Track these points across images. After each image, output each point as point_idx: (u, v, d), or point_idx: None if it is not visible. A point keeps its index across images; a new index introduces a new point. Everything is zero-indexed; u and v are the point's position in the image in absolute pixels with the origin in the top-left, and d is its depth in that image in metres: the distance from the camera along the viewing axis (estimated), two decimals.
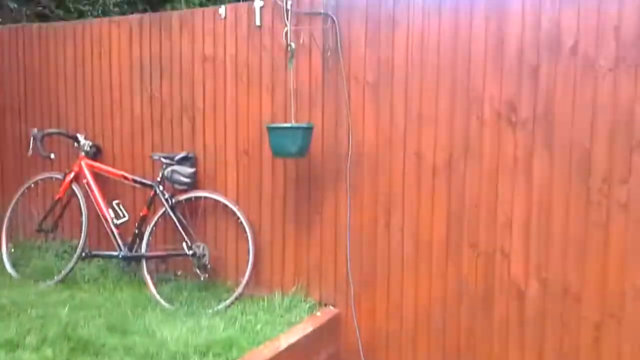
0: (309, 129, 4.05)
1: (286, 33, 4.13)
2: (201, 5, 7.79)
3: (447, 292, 3.86)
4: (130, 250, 4.78)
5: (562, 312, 3.53)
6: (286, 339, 3.77)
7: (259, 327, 3.93)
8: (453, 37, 3.74)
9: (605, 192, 3.37)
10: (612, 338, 3.41)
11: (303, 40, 4.18)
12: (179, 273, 4.87)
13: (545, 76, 3.49)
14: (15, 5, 5.82)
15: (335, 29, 4.10)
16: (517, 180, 3.60)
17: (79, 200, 4.99)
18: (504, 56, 3.60)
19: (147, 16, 5.04)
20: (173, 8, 7.42)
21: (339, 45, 4.08)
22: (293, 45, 4.12)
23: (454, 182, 3.79)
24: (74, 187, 5.03)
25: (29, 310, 4.11)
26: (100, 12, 6.81)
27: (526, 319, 3.63)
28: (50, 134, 5.17)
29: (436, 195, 3.85)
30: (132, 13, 6.93)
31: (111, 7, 6.92)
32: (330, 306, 4.27)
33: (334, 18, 4.10)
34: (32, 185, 5.35)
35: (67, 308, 4.16)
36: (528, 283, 3.61)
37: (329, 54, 4.14)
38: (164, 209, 4.65)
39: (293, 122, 4.14)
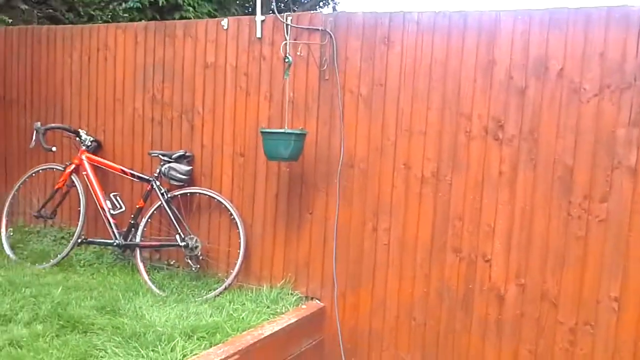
0: (301, 135, 3.65)
1: (285, 46, 3.71)
2: (209, 14, 7.23)
3: (429, 292, 3.48)
4: (126, 239, 4.28)
5: (539, 317, 3.18)
6: (270, 327, 3.39)
7: (244, 315, 3.51)
8: (444, 57, 3.39)
9: (585, 207, 3.03)
10: (586, 344, 3.08)
11: (301, 53, 3.76)
12: (172, 263, 4.39)
13: (532, 97, 3.16)
14: (26, 7, 5.23)
15: (333, 44, 3.70)
16: (501, 193, 3.25)
17: (77, 190, 4.47)
18: (493, 77, 3.26)
19: (152, 24, 4.56)
20: (181, 17, 6.85)
21: (335, 59, 3.69)
22: (290, 57, 3.70)
23: (441, 192, 3.42)
24: (73, 178, 4.52)
25: (23, 289, 3.68)
26: (109, 17, 6.19)
27: (504, 320, 3.28)
28: (52, 129, 4.63)
29: (423, 203, 3.48)
30: (141, 19, 6.38)
31: (121, 12, 6.30)
32: (316, 300, 3.84)
33: (332, 34, 3.70)
34: (34, 174, 4.81)
35: (60, 289, 3.73)
36: (507, 288, 3.26)
37: (325, 67, 3.74)
38: (159, 202, 4.17)
39: (287, 128, 3.71)
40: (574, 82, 3.05)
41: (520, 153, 3.19)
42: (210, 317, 3.42)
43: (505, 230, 3.25)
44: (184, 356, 2.87)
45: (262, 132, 3.65)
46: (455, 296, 3.41)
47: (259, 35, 3.96)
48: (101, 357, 2.84)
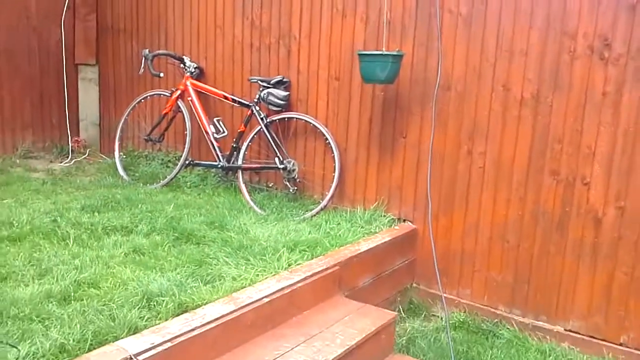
0: (398, 57, 3.71)
1: None
2: None
3: (524, 215, 3.55)
4: (229, 161, 4.61)
5: (637, 240, 3.19)
6: (366, 244, 3.63)
7: (341, 232, 3.76)
8: None
9: None
10: None
11: None
12: (270, 185, 4.69)
13: None
14: None
15: None
16: (604, 114, 3.21)
17: (183, 115, 4.82)
18: None
19: None
20: None
21: None
22: None
23: (540, 114, 3.42)
24: (179, 103, 4.85)
25: (139, 205, 4.09)
26: None
27: (600, 243, 3.31)
28: (159, 55, 4.96)
29: (521, 126, 3.50)
30: None
31: None
32: (409, 222, 4.02)
33: None
34: (142, 100, 5.18)
35: (172, 206, 4.11)
36: (605, 210, 3.27)
37: None
38: (259, 127, 4.43)
39: (384, 50, 3.79)
40: None
41: (626, 73, 3.11)
42: (309, 233, 3.69)
43: (606, 152, 3.23)
44: (289, 265, 3.16)
45: (359, 55, 3.75)
46: (551, 219, 3.46)
47: None
48: (214, 264, 3.16)
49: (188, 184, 4.85)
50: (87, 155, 5.72)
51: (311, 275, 3.07)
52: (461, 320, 3.78)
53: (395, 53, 3.69)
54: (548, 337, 3.52)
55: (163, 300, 2.62)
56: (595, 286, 3.37)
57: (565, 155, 3.37)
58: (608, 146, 3.23)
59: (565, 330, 3.49)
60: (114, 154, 5.19)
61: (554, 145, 3.40)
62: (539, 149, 3.45)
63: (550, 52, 3.34)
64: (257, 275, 3.00)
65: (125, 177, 4.98)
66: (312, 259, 3.29)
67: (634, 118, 3.13)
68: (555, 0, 3.29)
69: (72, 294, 2.68)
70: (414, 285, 4.04)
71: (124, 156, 5.29)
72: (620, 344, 3.31)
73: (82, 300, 2.61)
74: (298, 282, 2.98)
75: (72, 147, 5.72)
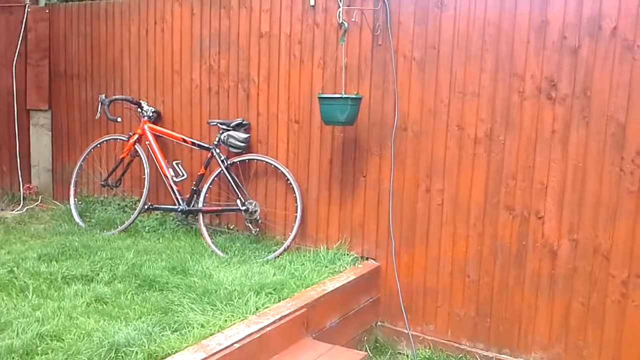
0: (357, 100, 3.85)
1: (339, 13, 3.89)
2: None
3: (482, 250, 3.68)
4: (189, 204, 4.61)
5: (591, 270, 3.35)
6: (331, 284, 3.67)
7: (305, 273, 3.78)
8: (497, 19, 3.52)
9: (638, 163, 3.17)
10: (638, 296, 3.24)
11: (355, 19, 3.94)
12: (231, 227, 4.69)
13: (585, 56, 3.27)
14: None
15: (386, 9, 3.86)
16: (554, 151, 3.40)
17: (141, 160, 4.82)
18: (546, 38, 3.37)
19: None
20: None
21: (388, 24, 3.85)
22: (346, 24, 3.88)
23: (494, 152, 3.58)
24: (137, 148, 4.85)
25: (98, 253, 4.04)
26: None
27: (557, 275, 3.46)
28: (116, 100, 4.96)
29: (476, 163, 3.65)
30: None
31: None
32: (371, 260, 4.09)
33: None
34: (98, 145, 5.16)
35: (132, 252, 4.09)
36: (560, 243, 3.42)
37: (378, 32, 3.91)
38: (219, 169, 4.46)
39: (343, 93, 3.92)
40: (627, 40, 3.15)
41: (573, 111, 3.32)
42: (274, 275, 3.70)
43: (558, 187, 3.40)
44: (257, 309, 3.16)
45: (319, 98, 3.86)
46: (509, 253, 3.60)
47: (312, 3, 4.15)
48: (180, 311, 3.13)
49: (147, 228, 4.81)
50: (40, 202, 5.61)
51: (280, 319, 3.08)
52: (427, 356, 3.84)
53: (354, 96, 3.82)
54: None
55: (132, 351, 2.59)
56: (554, 317, 3.49)
57: (519, 191, 3.53)
58: (559, 181, 3.40)
59: None
60: (68, 200, 5.12)
61: (508, 181, 3.56)
62: (494, 185, 3.61)
63: (501, 93, 3.53)
64: (226, 320, 2.99)
65: (81, 223, 4.90)
66: (279, 301, 3.31)
67: (582, 154, 3.32)
68: (503, 45, 3.49)
69: (35, 348, 2.62)
70: (379, 323, 4.09)
71: (79, 202, 5.21)
72: None
73: (47, 354, 2.56)
74: (267, 326, 2.99)
75: (23, 194, 5.60)
